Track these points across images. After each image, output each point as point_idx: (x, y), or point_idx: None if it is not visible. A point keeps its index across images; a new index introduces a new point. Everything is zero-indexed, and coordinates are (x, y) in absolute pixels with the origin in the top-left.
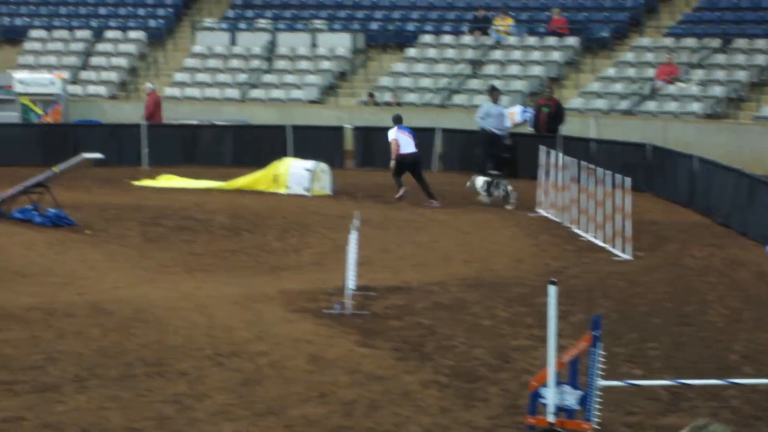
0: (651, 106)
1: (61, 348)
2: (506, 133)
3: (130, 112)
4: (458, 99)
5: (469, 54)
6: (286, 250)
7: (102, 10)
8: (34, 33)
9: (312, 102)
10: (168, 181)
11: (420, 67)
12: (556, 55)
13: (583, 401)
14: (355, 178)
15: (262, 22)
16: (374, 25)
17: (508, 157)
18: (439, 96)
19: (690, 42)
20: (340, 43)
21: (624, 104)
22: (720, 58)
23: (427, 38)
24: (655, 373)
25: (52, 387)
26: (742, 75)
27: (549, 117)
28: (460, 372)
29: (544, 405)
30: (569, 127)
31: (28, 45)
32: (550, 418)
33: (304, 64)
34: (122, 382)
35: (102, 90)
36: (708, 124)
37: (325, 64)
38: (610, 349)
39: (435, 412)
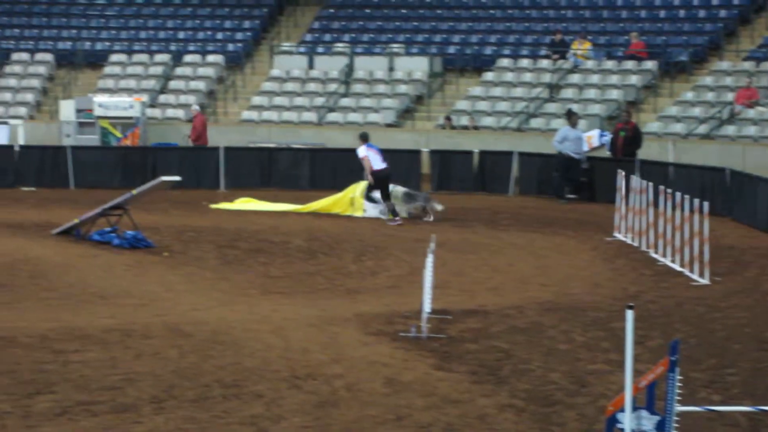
0: (730, 130)
1: (139, 369)
2: (583, 157)
3: (209, 136)
4: (535, 123)
5: (547, 78)
6: (363, 272)
7: (181, 34)
8: (115, 57)
9: (389, 125)
10: (245, 203)
11: (497, 91)
12: (634, 79)
13: (661, 427)
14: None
15: (339, 46)
16: (452, 49)
17: (585, 180)
18: (516, 120)
19: None
20: (417, 66)
21: (702, 128)
22: None
23: (505, 62)
24: (734, 399)
25: (129, 408)
26: None
27: (626, 141)
28: (537, 396)
29: (621, 430)
30: (647, 151)
31: (108, 69)
32: None
33: (381, 88)
34: (199, 403)
35: (180, 113)
36: None
37: (402, 88)
38: (687, 374)
39: None
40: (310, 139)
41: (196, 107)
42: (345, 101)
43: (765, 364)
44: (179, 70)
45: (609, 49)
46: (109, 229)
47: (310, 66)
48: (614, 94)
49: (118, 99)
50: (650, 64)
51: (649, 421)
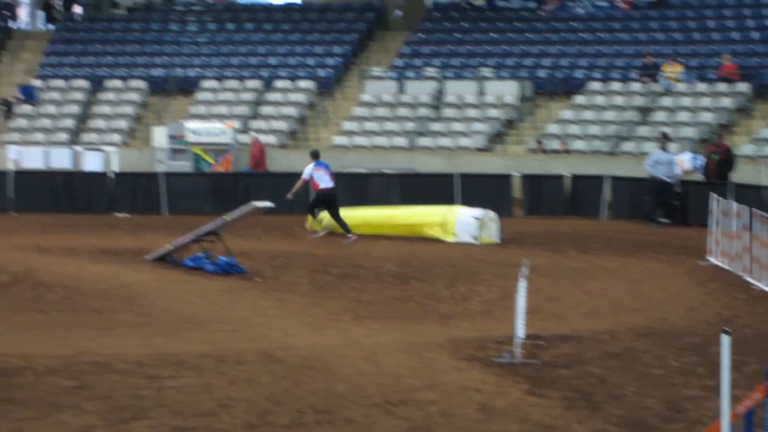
0: None
1: (233, 395)
2: (676, 181)
3: (300, 161)
4: (627, 146)
5: (638, 101)
6: (455, 297)
7: (272, 60)
8: (206, 83)
9: (479, 150)
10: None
11: (588, 114)
12: (726, 102)
13: None
14: (523, 226)
15: (429, 71)
16: (542, 73)
17: (678, 204)
18: (607, 143)
19: None
20: (507, 90)
21: None
22: None
23: (596, 85)
24: None
25: None
26: None
27: (719, 164)
28: (631, 422)
29: None
30: (740, 174)
31: (200, 95)
32: None
33: (471, 112)
34: (293, 429)
35: (272, 139)
36: None
37: (493, 112)
38: None
39: None
40: (401, 164)
41: (254, 134)
42: (435, 126)
43: None
44: (270, 96)
45: (701, 71)
46: (202, 255)
47: (401, 91)
48: (706, 116)
49: (210, 125)
50: (743, 87)
51: None
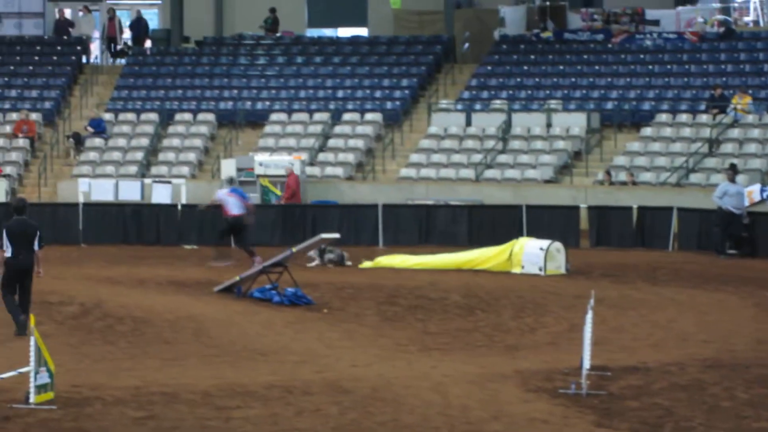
0: None
1: (300, 426)
2: (744, 212)
3: (367, 193)
4: (695, 178)
5: (706, 133)
6: (522, 329)
7: (340, 93)
8: (275, 116)
9: (546, 181)
10: (392, 258)
11: (656, 146)
12: None
13: None
14: (590, 258)
15: (497, 103)
16: (609, 105)
17: (746, 236)
18: (675, 175)
19: None
20: (575, 122)
21: None
22: None
23: (663, 117)
24: None
25: None
26: None
27: None
28: None
29: None
30: None
31: (268, 128)
32: None
33: (538, 144)
34: None
35: (339, 171)
36: None
37: (560, 144)
38: None
39: None
40: (468, 196)
41: (290, 166)
42: (502, 158)
43: None
44: (338, 129)
45: None
46: (269, 286)
47: (468, 123)
48: None
49: (278, 157)
50: None
51: None
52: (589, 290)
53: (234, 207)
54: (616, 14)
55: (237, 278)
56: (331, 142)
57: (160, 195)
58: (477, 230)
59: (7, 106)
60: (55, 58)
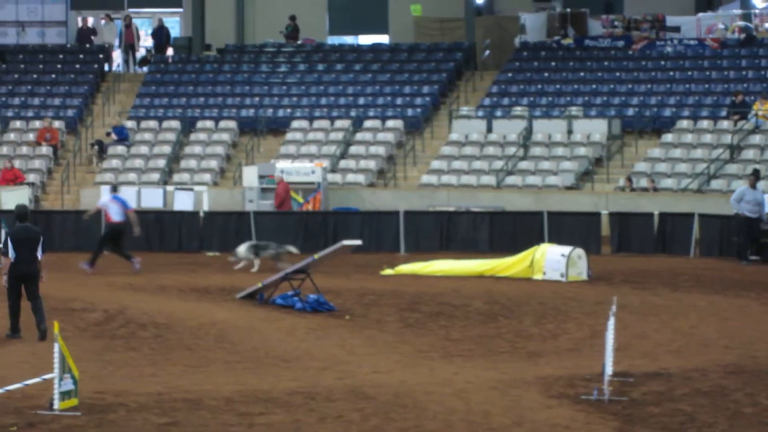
0: None
1: None
2: (764, 217)
3: (388, 200)
4: (716, 184)
5: (727, 139)
6: (544, 335)
7: (361, 100)
8: (296, 123)
9: (568, 188)
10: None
11: (677, 153)
12: None
13: None
14: (611, 264)
15: (518, 110)
16: (630, 111)
17: (766, 242)
18: (696, 181)
19: None
20: (596, 128)
21: None
22: None
23: (684, 123)
24: None
25: None
26: None
27: None
28: None
29: None
30: None
31: (290, 135)
32: None
33: (559, 150)
34: None
35: (360, 178)
36: None
37: (581, 150)
38: None
39: None
40: (489, 203)
41: (279, 174)
42: (523, 164)
43: None
44: (359, 136)
45: None
46: (291, 293)
47: (489, 130)
48: None
49: (300, 165)
50: None
51: None
52: (610, 296)
53: (115, 214)
54: (637, 21)
55: (259, 285)
56: (353, 149)
57: (182, 202)
58: (498, 237)
59: (30, 114)
60: (77, 66)
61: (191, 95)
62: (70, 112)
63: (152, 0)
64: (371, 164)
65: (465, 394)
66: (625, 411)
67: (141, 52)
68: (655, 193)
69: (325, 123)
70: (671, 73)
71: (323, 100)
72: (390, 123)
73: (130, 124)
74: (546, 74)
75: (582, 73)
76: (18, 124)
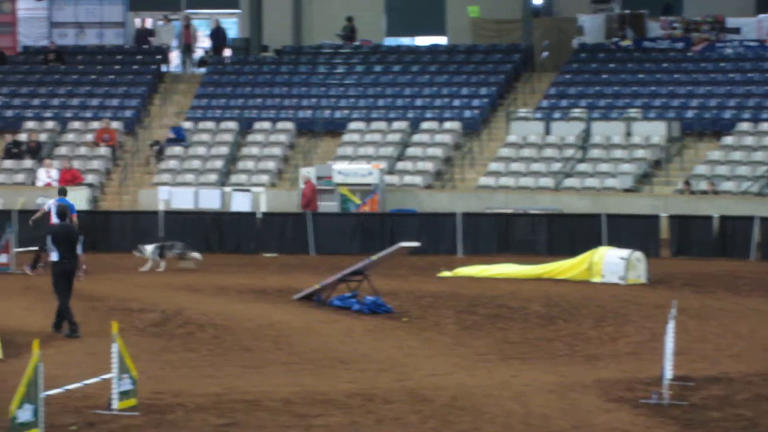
0: None
1: None
2: None
3: (446, 202)
4: None
5: None
6: (602, 338)
7: (418, 102)
8: (353, 125)
9: (626, 190)
10: (471, 269)
11: (737, 155)
12: None
13: None
14: (670, 267)
15: (576, 112)
16: (690, 113)
17: None
18: (756, 184)
19: None
20: (655, 131)
21: None
22: None
23: (745, 125)
24: None
25: None
26: None
27: None
28: None
29: None
30: None
31: (347, 136)
32: None
33: (618, 153)
34: None
35: (418, 179)
36: None
37: (640, 153)
38: None
39: None
40: (547, 205)
41: (305, 174)
42: (582, 166)
43: None
44: (416, 137)
45: None
46: (349, 295)
47: (547, 132)
48: None
49: (357, 166)
50: None
51: None
52: (670, 300)
53: (56, 217)
54: (697, 22)
55: (317, 286)
56: (410, 151)
57: (240, 203)
58: (556, 239)
59: (88, 114)
60: (135, 67)
61: (248, 96)
62: (127, 113)
63: (210, 1)
64: (428, 166)
65: (523, 397)
66: (685, 415)
67: (199, 53)
68: (714, 196)
69: (382, 124)
70: (731, 75)
71: (380, 102)
72: (447, 125)
73: (187, 125)
74: (604, 76)
75: (641, 75)
76: (76, 124)
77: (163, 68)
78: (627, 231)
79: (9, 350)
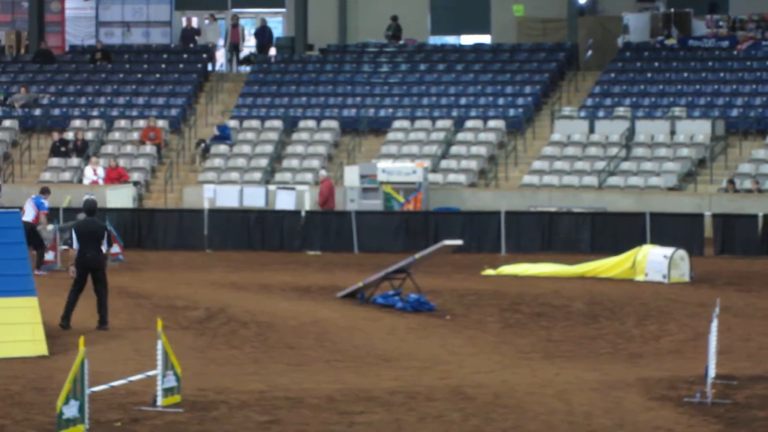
0: None
1: (423, 431)
2: None
3: (489, 200)
4: None
5: None
6: (645, 337)
7: (462, 100)
8: (398, 123)
9: (670, 189)
10: (515, 267)
11: None
12: None
13: None
14: (714, 266)
15: (620, 110)
16: (734, 112)
17: None
18: None
19: None
20: (699, 129)
21: None
22: None
23: None
24: None
25: None
26: None
27: None
28: None
29: None
30: None
31: (391, 135)
32: None
33: (662, 151)
34: None
35: (462, 178)
36: None
37: (684, 151)
38: None
39: None
40: (591, 203)
41: (323, 172)
42: (626, 165)
43: None
44: (461, 136)
45: None
46: (392, 293)
47: (591, 130)
48: None
49: (401, 164)
50: None
51: None
52: (713, 298)
53: (27, 214)
54: (742, 21)
55: (360, 284)
56: (454, 149)
57: (284, 201)
58: (600, 238)
59: (134, 113)
60: (181, 66)
61: (293, 95)
62: (173, 112)
63: (255, 0)
64: (472, 164)
65: (566, 395)
66: (728, 414)
67: (245, 52)
68: (758, 195)
69: (426, 123)
70: None
71: (425, 100)
72: (491, 123)
73: (232, 123)
74: (649, 75)
75: (685, 74)
76: (123, 123)
77: (209, 67)
78: (671, 229)
79: (55, 347)
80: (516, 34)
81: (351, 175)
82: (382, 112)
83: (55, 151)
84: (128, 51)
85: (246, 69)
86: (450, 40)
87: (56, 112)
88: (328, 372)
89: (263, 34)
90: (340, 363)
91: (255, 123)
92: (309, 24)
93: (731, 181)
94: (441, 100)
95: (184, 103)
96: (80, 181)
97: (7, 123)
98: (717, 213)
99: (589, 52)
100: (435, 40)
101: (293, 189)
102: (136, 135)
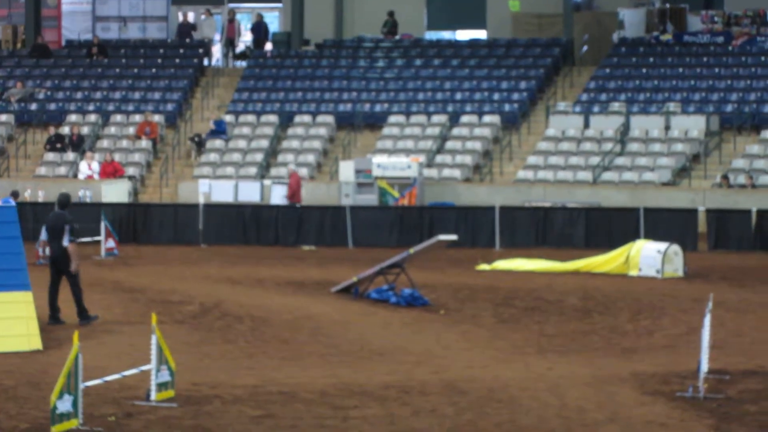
0: None
1: (416, 425)
2: None
3: (484, 195)
4: None
5: None
6: (638, 332)
7: (458, 96)
8: (393, 118)
9: (665, 184)
10: (509, 263)
11: None
12: None
13: None
14: (708, 261)
15: (615, 106)
16: (729, 107)
17: None
18: None
19: None
20: (694, 125)
21: None
22: None
23: None
24: None
25: None
26: None
27: None
28: None
29: None
30: None
31: (386, 130)
32: None
33: (657, 147)
34: None
35: (456, 173)
36: None
37: (678, 147)
38: None
39: None
40: (585, 198)
41: (292, 166)
42: (620, 160)
43: None
44: (456, 131)
45: None
46: (386, 287)
47: (586, 125)
48: None
49: (396, 159)
50: None
51: None
52: (707, 293)
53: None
54: (737, 16)
55: (354, 279)
56: (449, 144)
57: (279, 196)
58: (594, 233)
59: (130, 108)
60: (177, 60)
61: (289, 90)
62: (169, 107)
63: None
64: (467, 159)
65: (559, 389)
66: (721, 409)
67: (240, 47)
68: (752, 190)
69: (421, 118)
70: None
71: (420, 95)
72: (486, 118)
73: (228, 118)
74: (644, 70)
75: (680, 69)
76: (118, 118)
77: (205, 62)
78: (665, 225)
79: (50, 341)
80: (511, 30)
81: (346, 170)
82: (378, 107)
83: (50, 146)
84: (125, 46)
85: (242, 64)
86: (446, 35)
87: (52, 106)
88: (322, 366)
89: (259, 29)
90: (334, 357)
91: (251, 118)
92: (305, 19)
93: (725, 177)
94: (436, 95)
95: (180, 98)
96: (75, 175)
97: (3, 117)
98: (711, 208)
99: (585, 48)
100: (431, 35)
101: (288, 184)
102: (131, 130)
